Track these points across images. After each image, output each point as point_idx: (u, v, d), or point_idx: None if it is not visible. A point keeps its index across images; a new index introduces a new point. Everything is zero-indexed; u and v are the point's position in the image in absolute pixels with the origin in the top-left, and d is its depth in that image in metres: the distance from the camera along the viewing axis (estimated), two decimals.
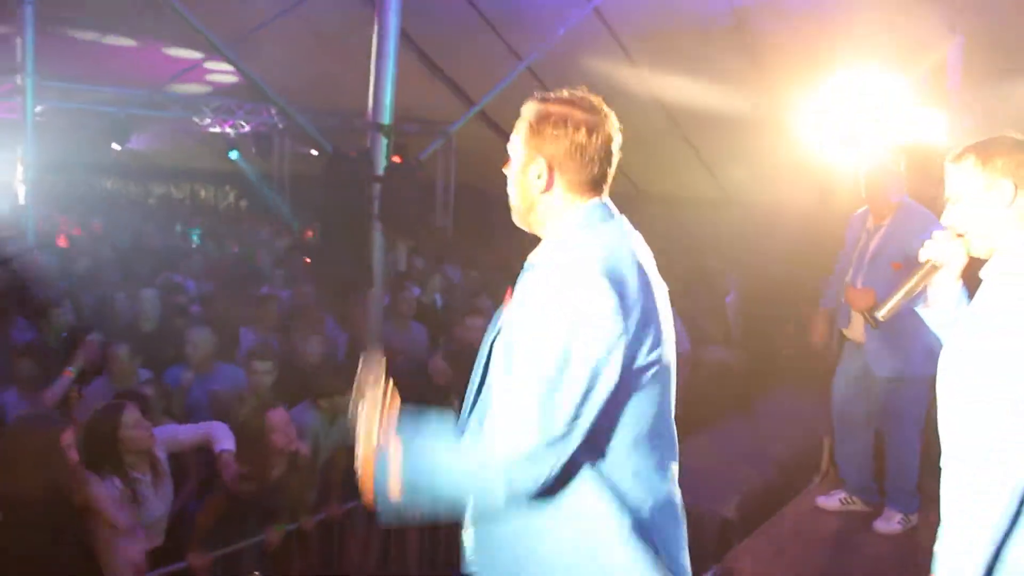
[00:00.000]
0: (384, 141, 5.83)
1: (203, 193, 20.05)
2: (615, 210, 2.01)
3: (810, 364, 6.47)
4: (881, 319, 2.39)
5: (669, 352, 1.96)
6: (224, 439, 4.45)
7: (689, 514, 4.90)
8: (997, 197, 2.13)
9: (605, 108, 1.96)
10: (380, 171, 5.83)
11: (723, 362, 7.75)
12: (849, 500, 5.00)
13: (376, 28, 5.79)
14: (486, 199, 12.56)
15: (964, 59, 7.49)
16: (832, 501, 5.04)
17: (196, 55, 10.67)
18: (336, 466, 4.92)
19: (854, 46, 7.26)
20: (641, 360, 1.85)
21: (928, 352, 3.83)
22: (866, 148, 6.07)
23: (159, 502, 4.23)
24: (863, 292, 4.55)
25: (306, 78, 9.87)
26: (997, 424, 1.93)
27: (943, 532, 2.05)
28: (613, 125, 1.97)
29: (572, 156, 1.94)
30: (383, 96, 5.85)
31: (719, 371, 7.58)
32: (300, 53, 9.47)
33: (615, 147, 1.98)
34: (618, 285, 1.79)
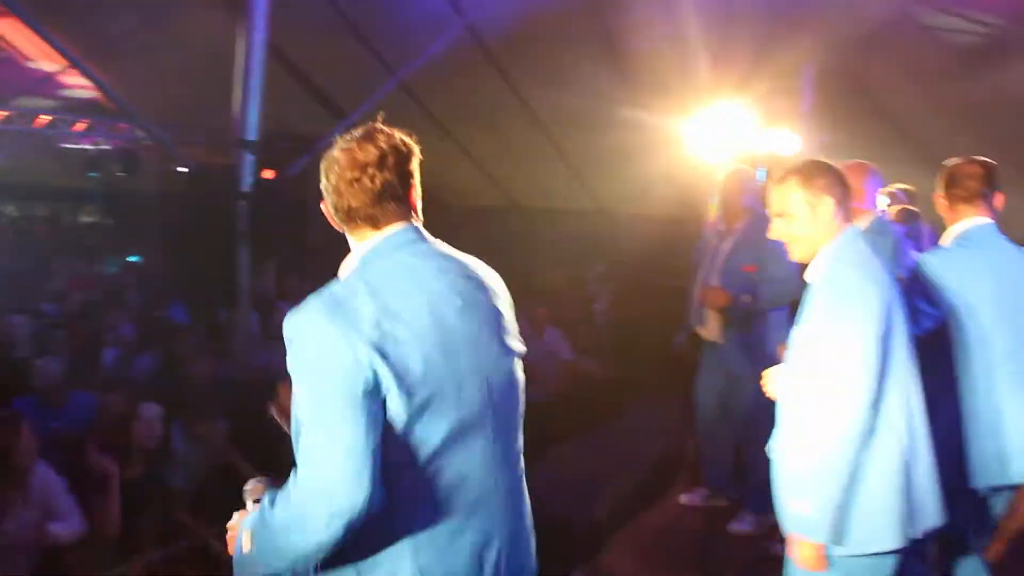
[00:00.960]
0: (250, 157, 5.71)
1: (63, 213, 19.08)
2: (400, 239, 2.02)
3: (676, 368, 6.64)
4: None
5: (460, 389, 1.91)
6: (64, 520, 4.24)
7: (558, 519, 4.98)
8: (821, 211, 2.54)
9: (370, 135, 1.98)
10: (246, 188, 5.70)
11: (593, 371, 7.90)
12: (712, 498, 5.15)
13: (242, 42, 5.68)
14: None
15: (815, 85, 7.90)
16: (695, 498, 5.21)
17: (54, 67, 10.22)
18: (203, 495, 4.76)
19: (719, 70, 7.56)
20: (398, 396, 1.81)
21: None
22: (725, 161, 6.35)
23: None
24: (717, 292, 4.75)
25: (173, 94, 9.57)
26: (833, 369, 2.38)
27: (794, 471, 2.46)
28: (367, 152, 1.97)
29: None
30: (249, 112, 5.74)
31: (589, 380, 7.72)
32: (166, 68, 9.18)
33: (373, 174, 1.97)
34: (341, 317, 1.81)
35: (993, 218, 3.28)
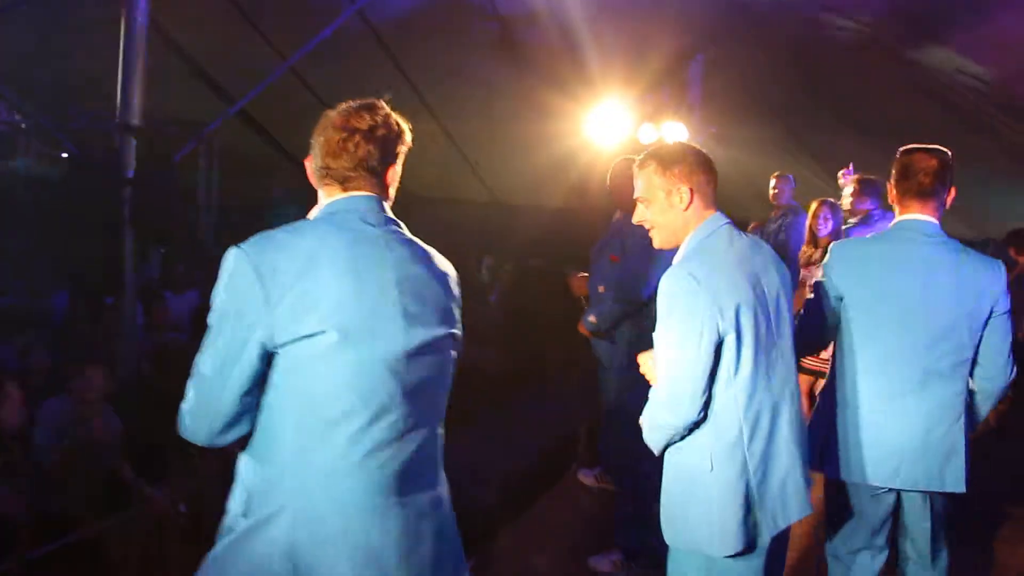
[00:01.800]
0: (133, 143, 5.52)
1: None
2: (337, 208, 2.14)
3: (571, 358, 6.76)
4: None
5: (369, 338, 2.01)
6: None
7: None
8: (677, 201, 2.52)
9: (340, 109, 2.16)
10: (130, 174, 5.51)
11: (488, 361, 7.97)
12: (602, 478, 5.24)
13: (123, 23, 5.49)
14: (250, 202, 12.17)
15: (703, 77, 8.12)
16: (588, 477, 5.33)
17: None
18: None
19: (609, 62, 7.69)
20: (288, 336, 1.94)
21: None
22: (615, 151, 6.51)
23: None
24: (580, 279, 4.76)
25: (56, 76, 9.19)
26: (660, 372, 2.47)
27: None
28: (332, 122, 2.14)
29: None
30: (132, 95, 5.55)
31: (481, 370, 7.79)
32: (46, 48, 8.79)
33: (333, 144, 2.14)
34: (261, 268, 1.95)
35: (936, 216, 3.11)
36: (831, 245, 3.25)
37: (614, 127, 7.28)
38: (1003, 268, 3.12)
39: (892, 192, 3.16)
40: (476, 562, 4.56)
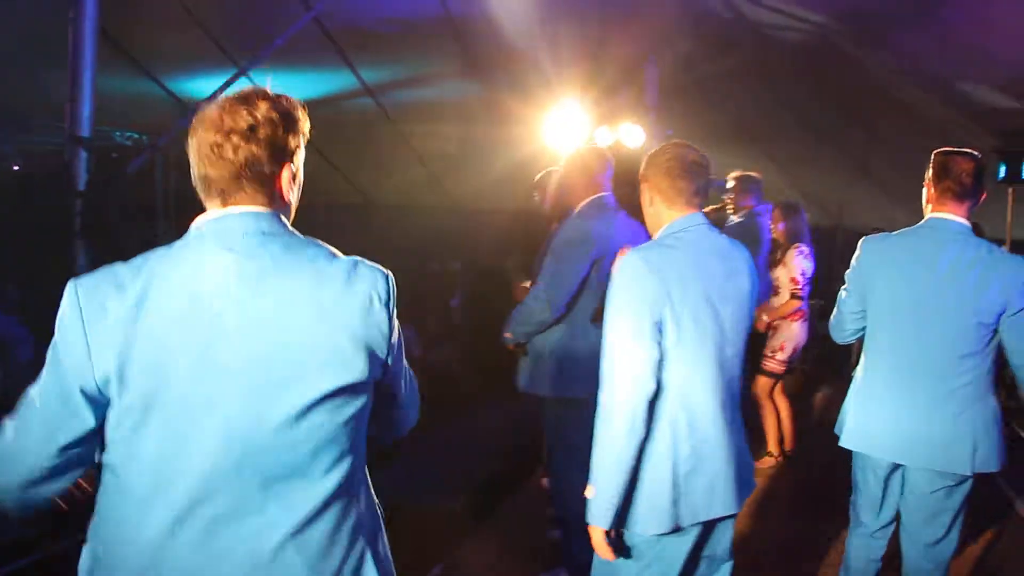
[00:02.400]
0: (84, 155, 5.44)
1: None
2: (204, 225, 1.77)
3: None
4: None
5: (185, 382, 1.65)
6: None
7: (415, 513, 4.97)
8: (647, 202, 2.78)
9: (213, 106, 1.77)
10: (81, 186, 5.43)
11: (450, 363, 7.95)
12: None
13: (71, 32, 5.40)
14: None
15: (660, 79, 8.18)
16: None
17: None
18: None
19: (567, 65, 7.72)
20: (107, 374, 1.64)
21: (560, 373, 3.96)
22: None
23: None
24: (523, 289, 4.44)
25: (8, 86, 9.03)
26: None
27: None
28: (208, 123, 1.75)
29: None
30: (82, 106, 5.47)
31: (447, 372, 7.77)
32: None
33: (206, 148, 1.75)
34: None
35: (967, 217, 3.26)
36: (862, 240, 3.42)
37: (571, 130, 7.30)
38: None
39: (930, 190, 3.29)
40: (441, 570, 4.53)
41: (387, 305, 1.82)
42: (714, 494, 2.62)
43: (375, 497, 1.98)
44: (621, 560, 2.64)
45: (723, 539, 2.80)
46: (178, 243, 1.73)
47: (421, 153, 10.60)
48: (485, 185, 10.23)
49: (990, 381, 3.24)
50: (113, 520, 1.70)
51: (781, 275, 6.04)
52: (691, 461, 2.58)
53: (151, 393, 1.63)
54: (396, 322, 1.88)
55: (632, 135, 7.71)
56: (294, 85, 8.78)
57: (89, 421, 1.65)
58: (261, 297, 1.68)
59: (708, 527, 2.72)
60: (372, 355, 1.78)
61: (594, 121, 7.74)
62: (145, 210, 6.74)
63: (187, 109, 7.39)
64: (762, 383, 6.18)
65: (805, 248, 5.96)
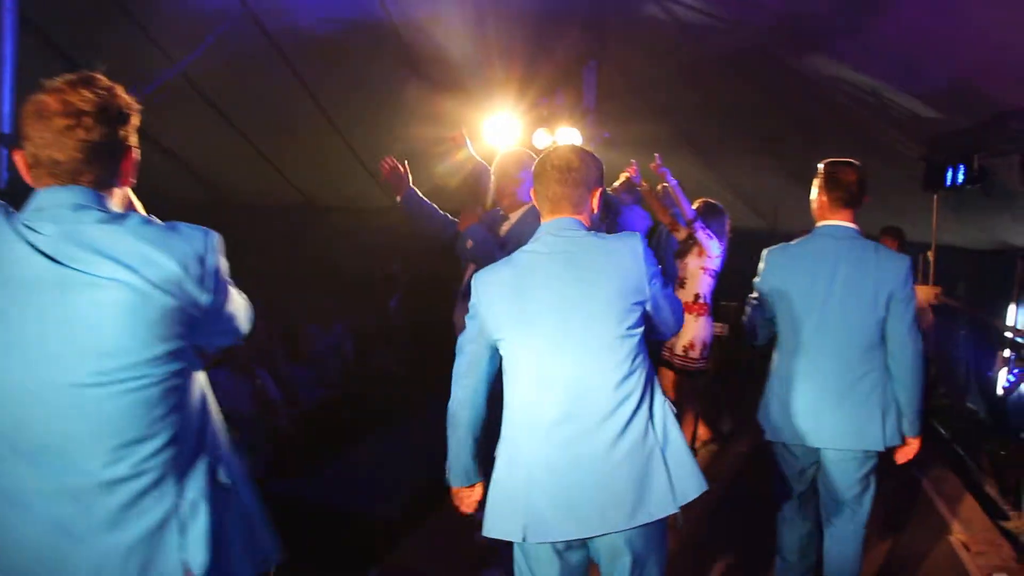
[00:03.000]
0: (4, 151, 5.26)
1: None
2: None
3: None
4: None
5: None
6: None
7: (353, 517, 4.94)
8: None
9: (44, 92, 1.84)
10: (2, 185, 5.25)
11: (388, 366, 7.91)
12: None
13: None
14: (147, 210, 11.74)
15: (598, 81, 8.24)
16: None
17: None
18: None
19: (505, 67, 7.73)
20: None
21: None
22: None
23: None
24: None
25: None
26: None
27: None
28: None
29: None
30: (2, 101, 5.29)
31: (384, 375, 7.72)
32: None
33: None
34: None
35: (853, 221, 3.70)
36: (765, 251, 3.83)
37: (510, 133, 7.32)
38: (907, 260, 3.64)
39: (821, 199, 3.71)
40: (378, 573, 4.50)
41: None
42: (557, 514, 2.65)
43: None
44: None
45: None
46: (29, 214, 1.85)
47: (361, 154, 10.52)
48: (427, 187, 10.19)
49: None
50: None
51: (690, 264, 6.06)
52: (533, 476, 2.70)
53: None
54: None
55: (569, 138, 7.76)
56: (228, 84, 8.67)
57: None
58: (79, 278, 1.80)
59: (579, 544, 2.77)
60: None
61: (531, 124, 7.77)
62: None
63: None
64: (669, 378, 6.18)
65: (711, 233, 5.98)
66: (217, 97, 8.41)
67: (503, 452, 2.78)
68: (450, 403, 2.94)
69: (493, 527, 2.75)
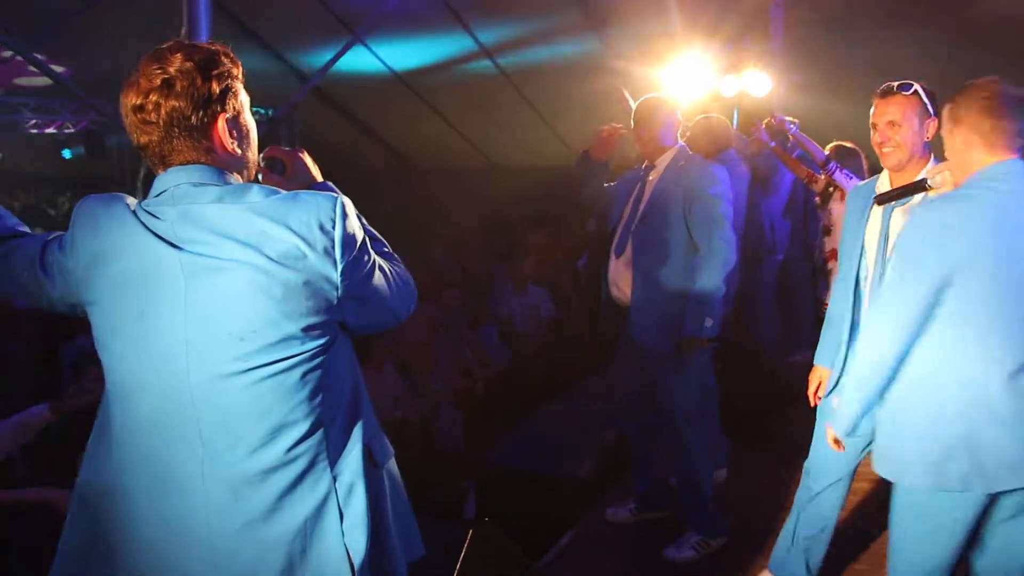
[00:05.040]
0: None
1: (33, 201, 18.83)
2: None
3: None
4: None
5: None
6: None
7: (544, 478, 4.85)
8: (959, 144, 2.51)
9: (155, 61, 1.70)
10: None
11: (580, 326, 7.80)
12: (639, 513, 4.44)
13: (184, 9, 5.44)
14: (336, 180, 12.24)
15: (785, 23, 7.74)
16: (622, 513, 4.48)
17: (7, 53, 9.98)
18: None
19: (689, 14, 7.40)
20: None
21: (699, 319, 3.77)
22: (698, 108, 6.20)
23: None
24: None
25: (128, 65, 9.34)
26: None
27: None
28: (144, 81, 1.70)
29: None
30: None
31: (576, 336, 7.62)
32: (122, 44, 8.94)
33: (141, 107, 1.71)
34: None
35: None
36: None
37: (695, 80, 6.99)
38: None
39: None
40: (572, 536, 4.41)
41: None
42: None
43: None
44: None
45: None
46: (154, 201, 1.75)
47: (543, 112, 10.43)
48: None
49: None
50: None
51: (834, 209, 5.46)
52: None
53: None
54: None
55: (758, 83, 7.33)
56: (410, 50, 8.78)
57: None
58: (214, 259, 1.70)
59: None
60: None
61: (719, 71, 7.40)
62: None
63: (305, 79, 7.43)
64: None
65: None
66: (395, 63, 8.52)
67: (928, 402, 2.45)
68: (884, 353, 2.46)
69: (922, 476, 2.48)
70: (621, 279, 4.05)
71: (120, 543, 1.78)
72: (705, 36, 7.45)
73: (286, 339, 1.70)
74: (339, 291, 1.74)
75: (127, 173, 15.04)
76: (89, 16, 7.37)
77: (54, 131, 12.88)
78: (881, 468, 2.59)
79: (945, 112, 2.52)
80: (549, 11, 8.22)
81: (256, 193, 1.70)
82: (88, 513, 1.82)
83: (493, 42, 8.76)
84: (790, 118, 5.60)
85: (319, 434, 1.77)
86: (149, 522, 1.76)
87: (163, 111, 1.67)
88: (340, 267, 1.72)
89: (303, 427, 1.75)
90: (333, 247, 1.70)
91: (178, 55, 1.66)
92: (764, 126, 5.86)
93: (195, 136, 1.70)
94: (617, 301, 4.10)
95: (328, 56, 7.06)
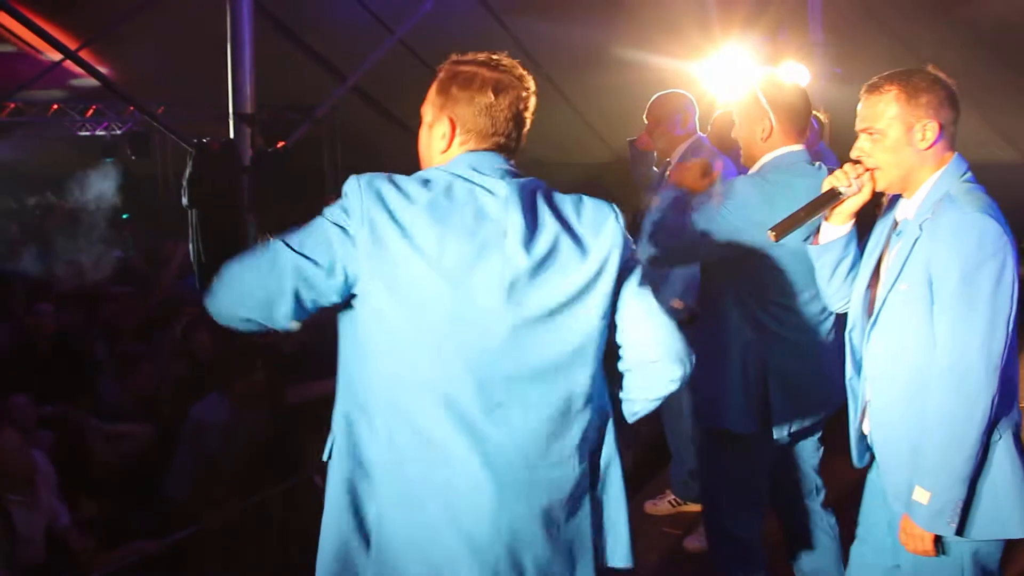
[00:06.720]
0: (248, 131, 5.63)
1: (81, 201, 19.15)
2: (495, 167, 1.90)
3: None
4: (774, 239, 2.31)
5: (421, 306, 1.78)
6: None
7: None
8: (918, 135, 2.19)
9: (520, 70, 1.94)
10: (247, 162, 5.63)
11: None
12: (676, 502, 4.47)
13: (228, 10, 5.57)
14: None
15: (824, 14, 7.67)
16: (661, 505, 4.51)
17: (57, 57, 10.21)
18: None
19: (726, 6, 7.38)
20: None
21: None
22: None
23: (35, 520, 4.05)
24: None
25: (180, 71, 9.52)
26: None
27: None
28: (526, 88, 1.94)
29: (478, 116, 1.90)
30: (243, 83, 5.64)
31: None
32: (169, 46, 9.13)
33: (525, 110, 1.95)
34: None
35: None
36: None
37: (733, 74, 6.95)
38: None
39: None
40: None
41: None
42: None
43: None
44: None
45: None
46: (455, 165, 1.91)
47: (580, 109, 10.44)
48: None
49: None
50: None
51: None
52: None
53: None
54: None
55: (797, 76, 7.28)
56: (449, 50, 8.82)
57: None
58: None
59: None
60: None
61: (756, 64, 7.36)
62: (313, 179, 6.93)
63: (344, 78, 7.51)
64: None
65: None
66: (432, 61, 8.57)
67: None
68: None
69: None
70: None
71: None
72: (742, 28, 7.42)
73: None
74: None
75: (170, 173, 15.36)
76: (136, 19, 7.54)
77: (102, 132, 13.17)
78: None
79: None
80: (585, 8, 8.24)
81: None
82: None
83: (530, 40, 8.80)
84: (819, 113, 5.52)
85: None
86: None
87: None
88: None
89: None
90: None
91: (516, 69, 1.95)
92: None
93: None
94: None
95: (367, 56, 7.14)
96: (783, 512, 3.21)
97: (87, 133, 13.23)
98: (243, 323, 1.83)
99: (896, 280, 2.21)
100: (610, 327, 1.92)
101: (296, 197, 6.35)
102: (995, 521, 2.17)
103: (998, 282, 2.06)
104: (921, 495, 2.14)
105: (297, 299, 1.76)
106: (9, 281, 8.07)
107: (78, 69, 10.60)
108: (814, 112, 4.03)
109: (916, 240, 2.17)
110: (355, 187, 1.79)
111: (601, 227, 1.89)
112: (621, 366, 1.98)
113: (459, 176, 1.86)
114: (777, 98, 2.86)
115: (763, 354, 2.86)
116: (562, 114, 10.46)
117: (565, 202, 1.93)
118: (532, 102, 1.96)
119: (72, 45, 6.90)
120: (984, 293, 2.06)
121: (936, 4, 7.57)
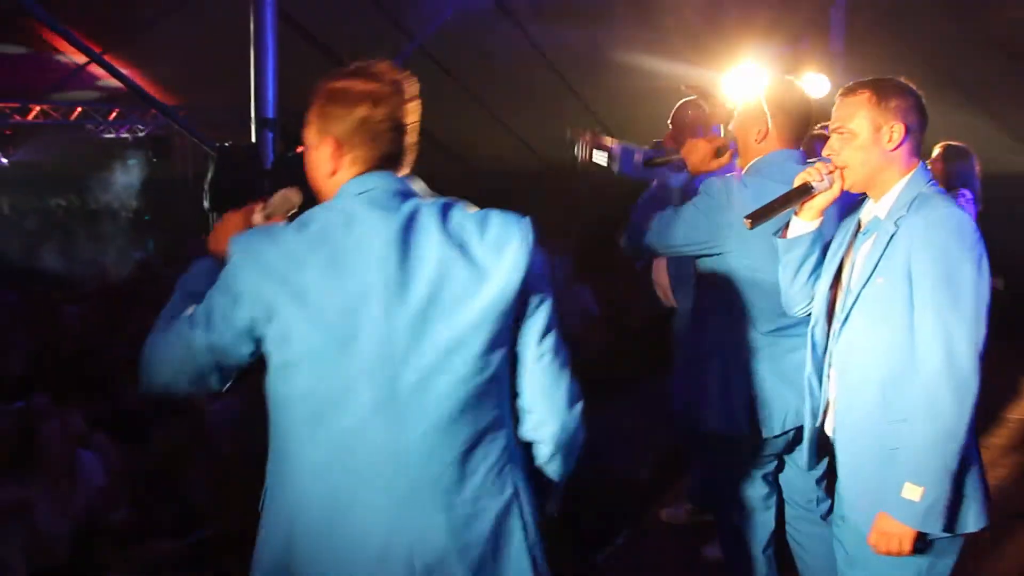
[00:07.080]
0: (270, 135, 5.70)
1: (104, 203, 19.39)
2: (385, 190, 1.80)
3: None
4: (748, 227, 2.38)
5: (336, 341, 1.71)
6: None
7: (603, 478, 4.85)
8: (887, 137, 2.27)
9: (394, 76, 1.82)
10: (268, 166, 5.69)
11: (633, 323, 7.77)
12: (695, 514, 4.44)
13: (252, 16, 5.64)
14: None
15: (845, 23, 7.67)
16: (678, 514, 4.52)
17: (83, 60, 10.33)
18: None
19: (746, 15, 7.38)
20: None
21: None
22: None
23: (62, 519, 4.08)
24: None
25: (206, 74, 9.63)
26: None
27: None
28: (403, 95, 1.82)
29: (355, 133, 1.80)
30: (265, 87, 5.71)
31: (630, 333, 7.61)
32: (194, 50, 9.23)
33: (405, 118, 1.83)
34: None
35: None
36: None
37: (752, 83, 6.95)
38: None
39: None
40: (625, 538, 4.45)
41: None
42: None
43: None
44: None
45: None
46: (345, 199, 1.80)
47: (599, 114, 10.46)
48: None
49: None
50: None
51: None
52: None
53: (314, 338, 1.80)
54: None
55: (817, 85, 7.27)
56: (469, 56, 8.89)
57: None
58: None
59: None
60: None
61: (775, 71, 7.36)
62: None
63: None
64: None
65: (968, 193, 5.08)
66: (454, 68, 8.63)
67: None
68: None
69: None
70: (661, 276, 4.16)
71: None
72: (762, 37, 7.43)
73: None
74: None
75: (191, 175, 15.49)
76: (160, 24, 7.62)
77: (125, 135, 13.32)
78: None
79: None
80: (603, 13, 8.27)
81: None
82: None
83: (550, 46, 8.85)
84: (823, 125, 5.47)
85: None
86: None
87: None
88: None
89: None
90: None
91: (390, 75, 1.83)
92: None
93: None
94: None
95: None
96: (787, 524, 3.21)
97: (110, 136, 13.38)
98: (181, 392, 1.89)
99: (871, 275, 2.26)
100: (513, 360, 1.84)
101: (317, 201, 6.41)
102: (967, 515, 2.21)
103: (979, 273, 2.13)
104: (912, 492, 2.14)
105: (221, 370, 1.80)
106: (34, 281, 8.17)
107: (101, 72, 10.80)
108: (820, 128, 4.10)
109: (892, 236, 2.22)
110: (238, 258, 1.74)
111: (504, 248, 1.77)
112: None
113: (342, 212, 1.77)
114: (778, 102, 2.89)
115: (744, 355, 2.88)
116: (580, 121, 10.49)
117: (467, 221, 1.79)
118: (413, 108, 1.85)
119: (95, 49, 6.96)
120: (968, 285, 2.13)
121: (957, 17, 7.55)
